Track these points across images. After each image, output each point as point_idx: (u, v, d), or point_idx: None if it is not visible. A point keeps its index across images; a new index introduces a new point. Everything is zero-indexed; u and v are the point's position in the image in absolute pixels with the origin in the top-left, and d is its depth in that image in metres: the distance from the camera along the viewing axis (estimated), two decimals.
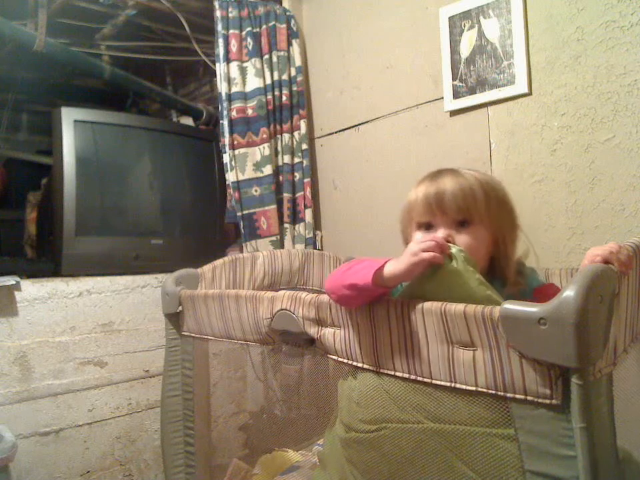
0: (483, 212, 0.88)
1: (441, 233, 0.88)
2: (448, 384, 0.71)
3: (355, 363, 0.83)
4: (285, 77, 1.90)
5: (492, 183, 0.93)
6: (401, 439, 0.77)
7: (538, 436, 0.63)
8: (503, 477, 0.67)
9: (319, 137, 2.01)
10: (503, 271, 0.91)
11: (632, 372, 0.81)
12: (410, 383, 0.76)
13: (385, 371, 0.79)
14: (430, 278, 0.76)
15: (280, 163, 1.89)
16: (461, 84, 1.51)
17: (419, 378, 0.74)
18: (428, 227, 0.91)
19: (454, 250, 0.77)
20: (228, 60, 1.83)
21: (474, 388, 0.68)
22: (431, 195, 0.89)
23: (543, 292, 0.89)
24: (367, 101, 1.82)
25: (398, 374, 0.77)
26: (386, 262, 0.76)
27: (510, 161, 1.43)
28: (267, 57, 1.87)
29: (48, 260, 1.72)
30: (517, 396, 0.64)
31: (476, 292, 0.74)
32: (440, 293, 0.74)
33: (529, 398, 0.63)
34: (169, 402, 1.29)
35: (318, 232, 1.98)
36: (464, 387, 0.69)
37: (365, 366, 0.81)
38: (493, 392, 0.66)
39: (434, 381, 0.72)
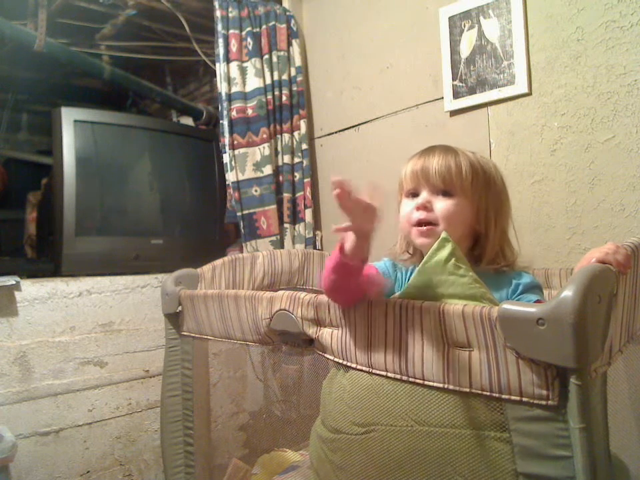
0: (467, 186, 0.90)
1: (421, 199, 0.91)
2: (441, 385, 0.70)
3: (348, 363, 0.83)
4: (284, 76, 1.90)
5: (484, 163, 0.94)
6: (390, 441, 0.76)
7: (532, 437, 0.63)
8: None
9: (318, 137, 2.01)
10: (482, 250, 0.93)
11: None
12: (401, 384, 0.75)
13: (377, 372, 0.78)
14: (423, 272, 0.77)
15: (280, 163, 1.89)
16: (460, 84, 1.51)
17: (410, 379, 0.74)
18: (414, 195, 0.94)
19: (443, 235, 0.79)
20: (228, 60, 1.83)
21: (468, 389, 0.67)
22: (418, 166, 0.93)
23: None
24: (366, 101, 1.82)
25: (390, 374, 0.76)
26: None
27: (510, 161, 1.43)
28: (266, 56, 1.87)
29: (48, 260, 1.72)
30: (512, 397, 0.63)
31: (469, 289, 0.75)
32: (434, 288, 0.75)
33: (524, 399, 0.62)
34: (168, 402, 1.29)
35: (318, 232, 1.98)
36: (457, 388, 0.68)
37: (358, 366, 0.81)
38: (488, 393, 0.66)
39: (426, 382, 0.72)
